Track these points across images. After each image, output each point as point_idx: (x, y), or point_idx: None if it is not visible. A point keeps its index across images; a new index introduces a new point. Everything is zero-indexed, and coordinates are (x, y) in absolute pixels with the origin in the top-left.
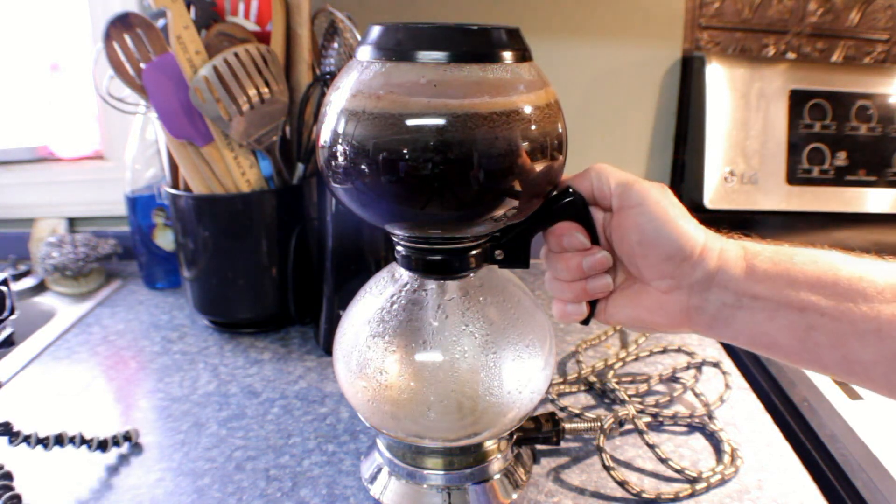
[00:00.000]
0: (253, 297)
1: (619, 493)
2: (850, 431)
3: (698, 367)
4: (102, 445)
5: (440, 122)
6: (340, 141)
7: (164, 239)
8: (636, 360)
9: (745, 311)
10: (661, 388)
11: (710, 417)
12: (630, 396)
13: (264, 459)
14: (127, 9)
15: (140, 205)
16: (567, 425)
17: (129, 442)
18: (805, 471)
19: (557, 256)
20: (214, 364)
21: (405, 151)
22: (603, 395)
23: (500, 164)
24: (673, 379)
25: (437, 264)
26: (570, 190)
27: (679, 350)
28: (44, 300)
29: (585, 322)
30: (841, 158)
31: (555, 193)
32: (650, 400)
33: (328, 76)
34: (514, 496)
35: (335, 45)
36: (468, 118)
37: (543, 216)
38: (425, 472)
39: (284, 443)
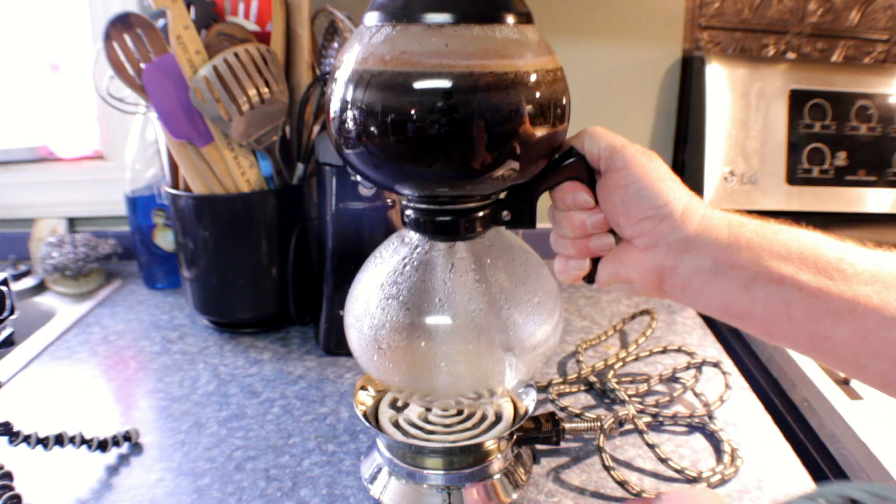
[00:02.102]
0: (253, 297)
1: (620, 493)
2: (850, 431)
3: (698, 368)
4: (102, 445)
5: (449, 82)
6: (351, 106)
7: (164, 239)
8: (636, 360)
9: (720, 279)
10: (661, 388)
11: (710, 417)
12: (630, 396)
13: (264, 459)
14: (127, 9)
15: (140, 205)
16: (567, 425)
17: (129, 442)
18: (805, 471)
19: (563, 214)
20: (214, 364)
21: (416, 112)
22: (603, 395)
23: (507, 125)
24: (673, 379)
25: (447, 225)
26: (574, 150)
27: (679, 350)
28: (44, 300)
29: (588, 280)
30: (841, 158)
31: (559, 154)
32: (650, 400)
33: (328, 76)
34: (514, 496)
35: (335, 45)
36: (477, 78)
37: (548, 176)
38: (425, 471)
39: (284, 443)
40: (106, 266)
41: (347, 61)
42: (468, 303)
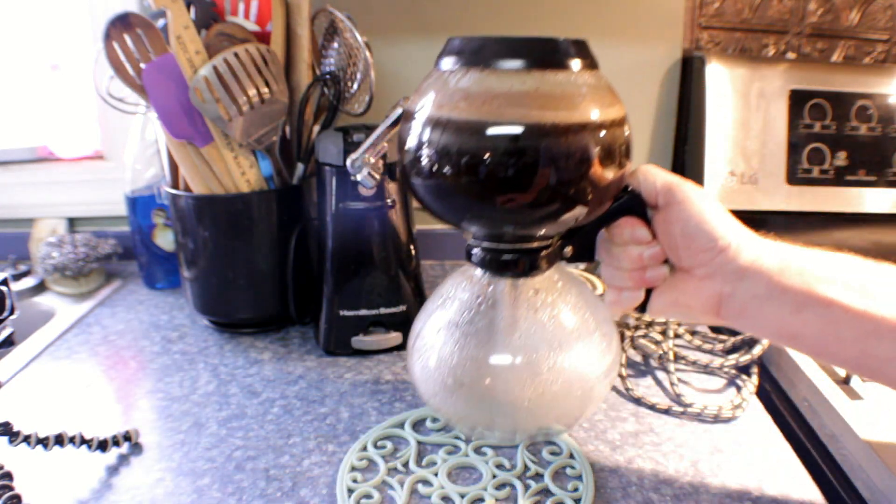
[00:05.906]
0: (253, 297)
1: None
2: (850, 431)
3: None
4: (102, 445)
5: (519, 129)
6: (426, 146)
7: (164, 239)
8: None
9: (774, 303)
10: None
11: (700, 416)
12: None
13: (264, 459)
14: (127, 9)
15: (140, 205)
16: None
17: (129, 442)
18: (805, 471)
19: (620, 249)
20: (214, 364)
21: (488, 156)
22: None
23: (574, 175)
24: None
25: (515, 263)
26: (630, 189)
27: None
28: (44, 300)
29: (642, 308)
30: (841, 158)
31: None
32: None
33: (328, 76)
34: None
35: (335, 45)
36: (548, 129)
37: (607, 213)
38: None
39: (284, 443)
40: (106, 266)
41: (424, 103)
42: (533, 339)
